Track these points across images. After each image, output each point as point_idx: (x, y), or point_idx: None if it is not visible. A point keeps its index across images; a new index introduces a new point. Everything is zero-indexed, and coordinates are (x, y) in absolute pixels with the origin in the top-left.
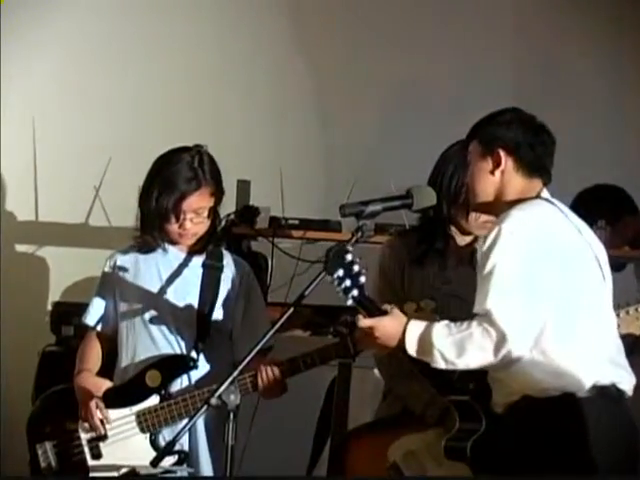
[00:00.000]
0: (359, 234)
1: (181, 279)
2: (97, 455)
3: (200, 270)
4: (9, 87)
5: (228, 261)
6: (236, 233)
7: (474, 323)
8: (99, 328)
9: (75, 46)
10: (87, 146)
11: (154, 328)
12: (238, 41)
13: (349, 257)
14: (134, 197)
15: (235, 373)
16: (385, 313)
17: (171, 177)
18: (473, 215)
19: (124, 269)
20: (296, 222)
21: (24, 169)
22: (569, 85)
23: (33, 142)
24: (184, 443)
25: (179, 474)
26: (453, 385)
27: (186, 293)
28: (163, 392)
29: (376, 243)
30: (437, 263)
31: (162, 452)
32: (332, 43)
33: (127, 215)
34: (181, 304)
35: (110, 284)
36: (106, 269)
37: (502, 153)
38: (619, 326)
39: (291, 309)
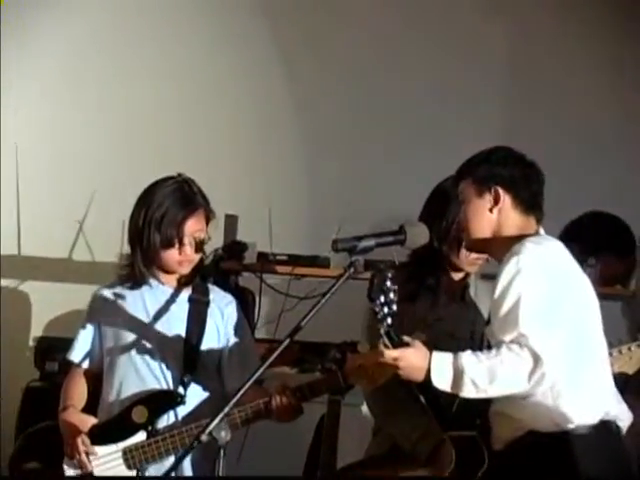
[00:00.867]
0: (351, 270)
1: (168, 314)
2: None
3: (187, 305)
4: None
5: (214, 296)
6: (224, 268)
7: (503, 349)
8: (85, 365)
9: (54, 79)
10: (71, 180)
11: (140, 363)
12: (226, 74)
13: (389, 284)
14: (118, 232)
15: (226, 409)
16: (408, 345)
17: (167, 203)
18: (464, 252)
19: (110, 303)
20: (284, 257)
21: (7, 202)
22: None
23: (16, 175)
24: None
25: None
26: (452, 421)
27: (173, 328)
28: (150, 428)
29: (365, 279)
30: (428, 300)
31: None
32: (321, 78)
33: (111, 250)
34: (168, 339)
35: (96, 319)
36: (92, 304)
37: (500, 191)
38: (612, 365)
39: (287, 341)
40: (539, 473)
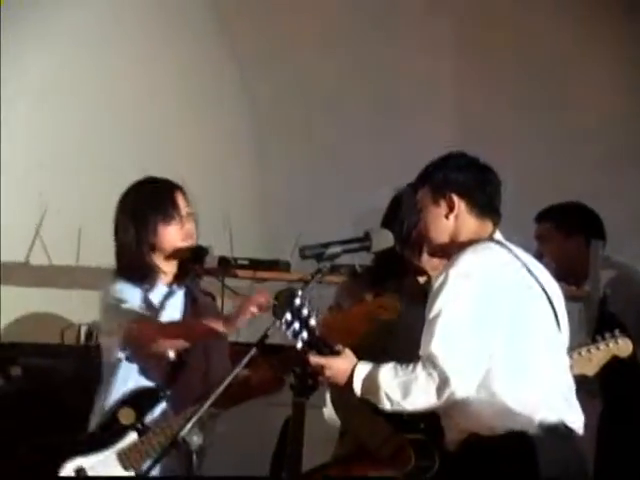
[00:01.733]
0: (319, 276)
1: (167, 310)
2: None
3: (182, 301)
4: None
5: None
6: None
7: (419, 366)
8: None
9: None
10: (27, 184)
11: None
12: (182, 74)
13: (297, 301)
14: (74, 236)
15: (195, 417)
16: (338, 353)
17: (153, 186)
18: (425, 256)
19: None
20: (246, 262)
21: None
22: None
23: None
24: None
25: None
26: (405, 423)
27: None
28: (140, 426)
29: (330, 282)
30: None
31: None
32: (276, 80)
33: (68, 254)
34: None
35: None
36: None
37: (455, 197)
38: (572, 367)
39: (253, 350)
40: (483, 476)
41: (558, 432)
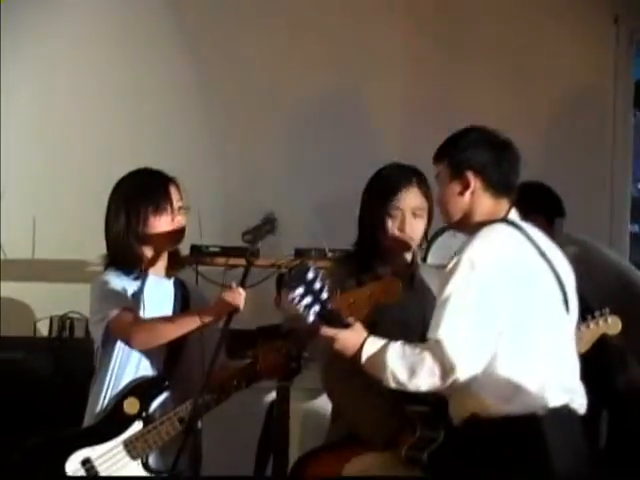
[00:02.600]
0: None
1: (157, 301)
2: None
3: (172, 292)
4: None
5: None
6: None
7: (426, 349)
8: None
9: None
10: None
11: (135, 353)
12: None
13: (310, 275)
14: (28, 230)
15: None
16: (348, 326)
17: (147, 177)
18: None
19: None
20: (217, 249)
21: None
22: None
23: None
24: None
25: None
26: (413, 395)
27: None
28: (145, 415)
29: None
30: None
31: None
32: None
33: (21, 248)
34: None
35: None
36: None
37: (471, 175)
38: None
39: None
40: (482, 454)
41: (559, 415)
